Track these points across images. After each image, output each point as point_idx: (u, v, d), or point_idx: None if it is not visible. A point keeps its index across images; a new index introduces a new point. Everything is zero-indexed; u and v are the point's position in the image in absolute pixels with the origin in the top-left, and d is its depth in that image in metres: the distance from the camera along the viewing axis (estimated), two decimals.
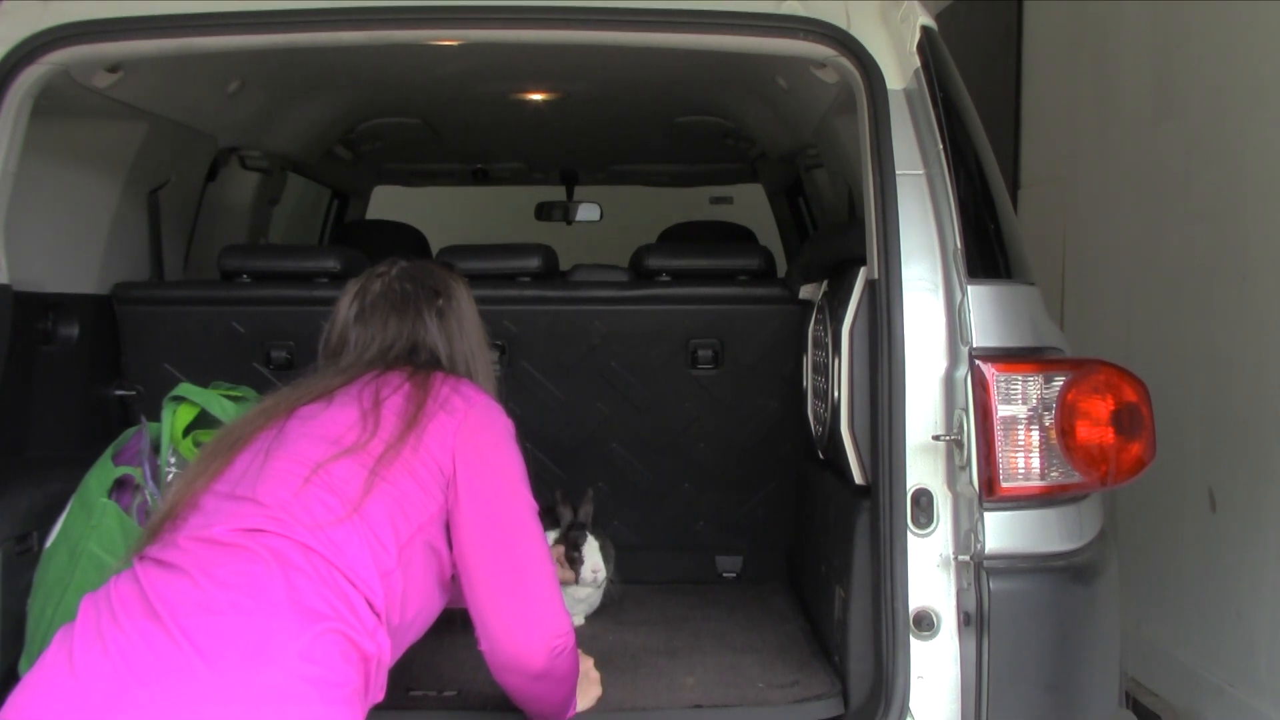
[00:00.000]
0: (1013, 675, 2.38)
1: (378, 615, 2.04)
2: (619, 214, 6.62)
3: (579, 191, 6.38)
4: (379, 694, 2.07)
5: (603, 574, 3.08)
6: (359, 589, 2.03)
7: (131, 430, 2.79)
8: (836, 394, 2.70)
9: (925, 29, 2.58)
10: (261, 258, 3.71)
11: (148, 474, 2.65)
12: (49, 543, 2.61)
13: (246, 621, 1.92)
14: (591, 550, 3.07)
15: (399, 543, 2.11)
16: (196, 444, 2.64)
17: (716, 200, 7.56)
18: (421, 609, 2.20)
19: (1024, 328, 2.49)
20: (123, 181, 3.43)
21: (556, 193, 6.41)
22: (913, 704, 2.40)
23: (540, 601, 2.23)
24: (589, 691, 2.50)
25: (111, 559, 2.44)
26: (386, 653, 2.05)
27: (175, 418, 2.70)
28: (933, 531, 2.42)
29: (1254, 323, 4.05)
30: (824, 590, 2.90)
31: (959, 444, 2.39)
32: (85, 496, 2.62)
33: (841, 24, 2.59)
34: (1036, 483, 2.41)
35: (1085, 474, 2.41)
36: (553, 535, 3.05)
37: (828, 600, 2.82)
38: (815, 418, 3.04)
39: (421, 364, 2.39)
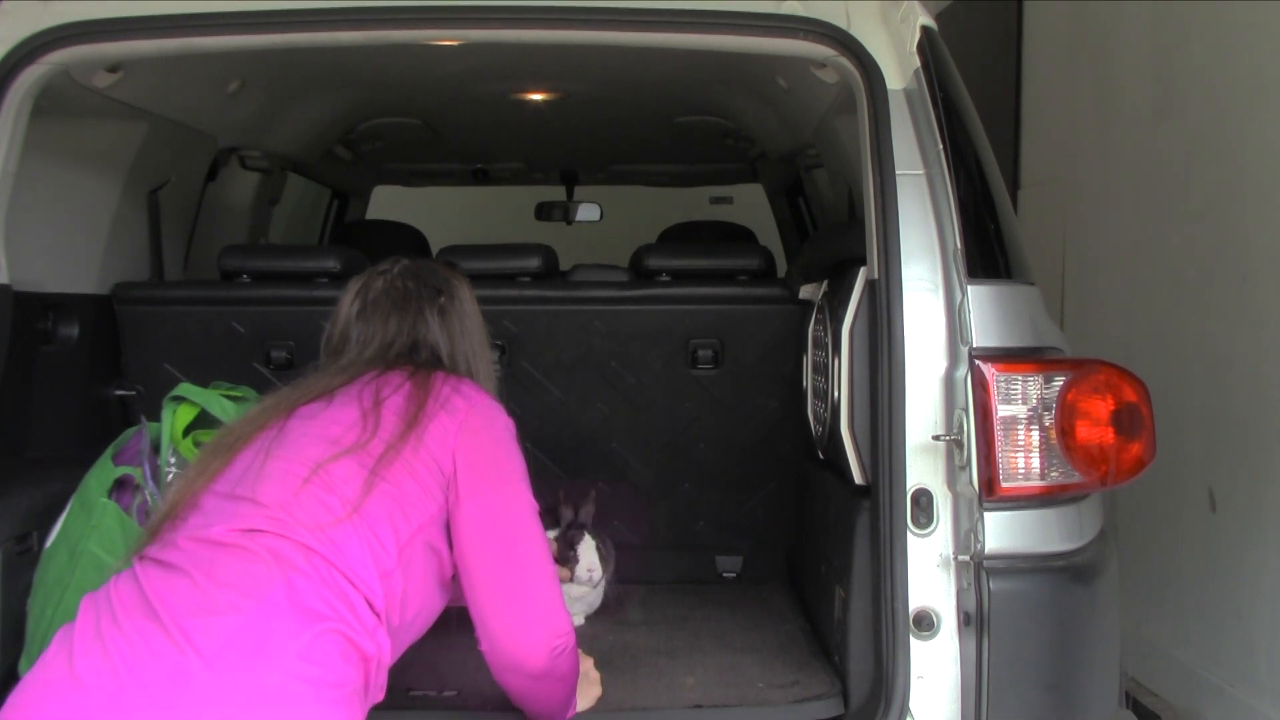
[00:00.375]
0: (1013, 675, 2.38)
1: (377, 615, 2.04)
2: (619, 214, 6.62)
3: (579, 191, 6.38)
4: (379, 694, 2.07)
5: (598, 573, 3.08)
6: (359, 589, 2.03)
7: (131, 430, 2.79)
8: (836, 394, 2.70)
9: (925, 29, 2.58)
10: (261, 258, 3.71)
11: (148, 474, 2.65)
12: (49, 543, 2.61)
13: (246, 622, 1.92)
14: (587, 549, 3.07)
15: (399, 543, 2.11)
16: (196, 444, 2.64)
17: (716, 200, 7.56)
18: (421, 609, 2.20)
19: (1024, 328, 2.49)
20: (123, 181, 3.43)
21: (556, 193, 6.41)
22: (913, 704, 2.40)
23: (541, 601, 2.23)
24: (589, 691, 2.50)
25: (111, 559, 2.44)
26: (386, 653, 2.05)
27: (175, 418, 2.70)
28: (933, 531, 2.42)
29: (1254, 323, 4.05)
30: (824, 590, 2.90)
31: (959, 444, 2.39)
32: (85, 496, 2.62)
33: (841, 24, 2.59)
34: (1036, 483, 2.41)
35: (1085, 474, 2.41)
36: (553, 534, 3.05)
37: (828, 600, 2.82)
38: (815, 418, 3.04)
39: (422, 363, 2.39)
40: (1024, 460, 2.39)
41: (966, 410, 2.38)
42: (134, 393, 3.38)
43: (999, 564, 2.38)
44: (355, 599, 2.01)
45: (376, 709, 2.07)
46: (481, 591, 2.21)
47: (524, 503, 2.28)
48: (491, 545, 2.22)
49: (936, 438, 2.43)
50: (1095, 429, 2.39)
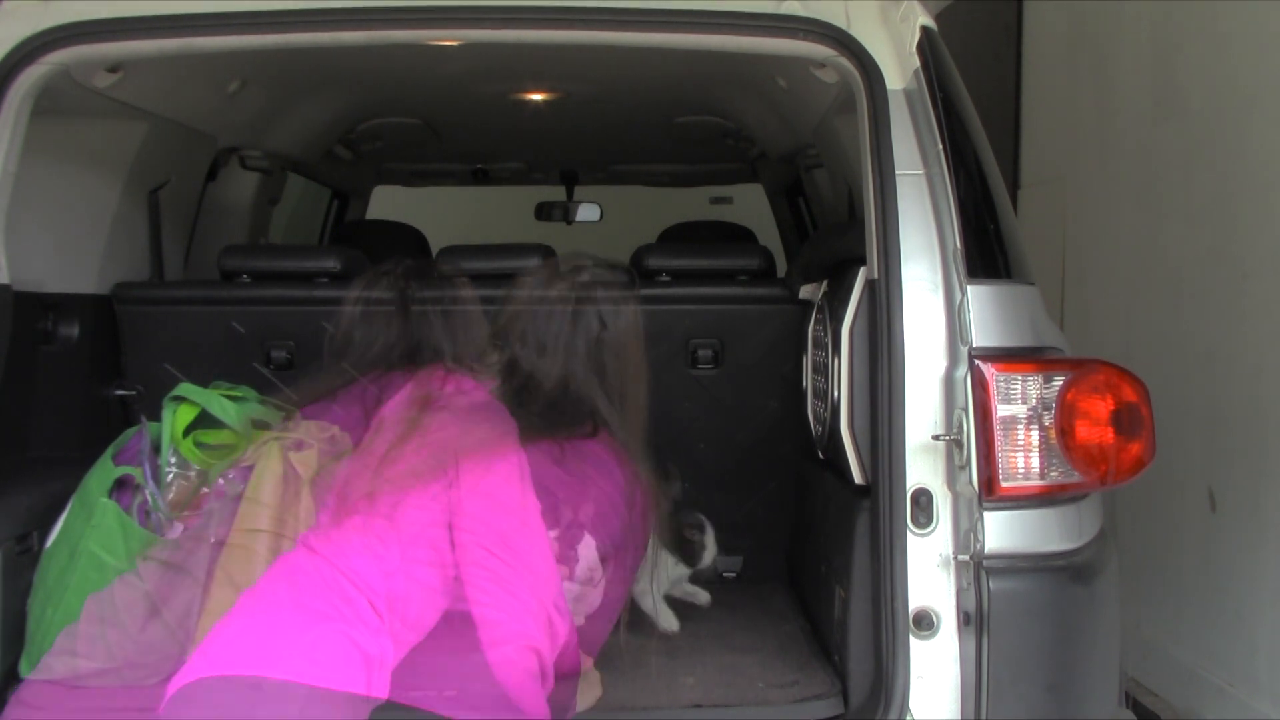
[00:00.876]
0: (1013, 675, 2.38)
1: (380, 616, 2.05)
2: (619, 214, 6.62)
3: (579, 191, 6.38)
4: (381, 694, 2.07)
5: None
6: (361, 590, 2.03)
7: (132, 430, 2.79)
8: (836, 394, 2.70)
9: (925, 29, 2.58)
10: (261, 258, 3.71)
11: (148, 474, 2.65)
12: (49, 543, 2.61)
13: (248, 622, 1.93)
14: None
15: (401, 543, 2.11)
16: (197, 444, 2.64)
17: (716, 200, 7.57)
18: (424, 610, 2.20)
19: (1024, 327, 2.49)
20: (123, 181, 3.43)
21: (556, 193, 6.41)
22: (913, 704, 2.40)
23: (541, 600, 2.24)
24: (589, 691, 2.51)
25: (111, 559, 2.44)
26: (388, 653, 2.05)
27: (175, 418, 2.70)
28: (932, 531, 2.43)
29: (1254, 322, 4.05)
30: (824, 590, 2.90)
31: (959, 444, 2.39)
32: (85, 496, 2.62)
33: (841, 24, 2.59)
34: (1036, 482, 2.41)
35: (1085, 474, 2.41)
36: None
37: (828, 600, 2.82)
38: (815, 418, 3.04)
39: (424, 364, 2.40)
40: (1024, 460, 2.40)
41: (966, 410, 2.38)
42: (134, 393, 3.38)
43: (999, 564, 2.38)
44: (358, 600, 2.02)
45: (377, 709, 2.07)
46: (481, 589, 2.21)
47: (525, 501, 2.28)
48: (492, 545, 2.22)
49: (936, 437, 2.43)
50: (1095, 429, 2.39)
